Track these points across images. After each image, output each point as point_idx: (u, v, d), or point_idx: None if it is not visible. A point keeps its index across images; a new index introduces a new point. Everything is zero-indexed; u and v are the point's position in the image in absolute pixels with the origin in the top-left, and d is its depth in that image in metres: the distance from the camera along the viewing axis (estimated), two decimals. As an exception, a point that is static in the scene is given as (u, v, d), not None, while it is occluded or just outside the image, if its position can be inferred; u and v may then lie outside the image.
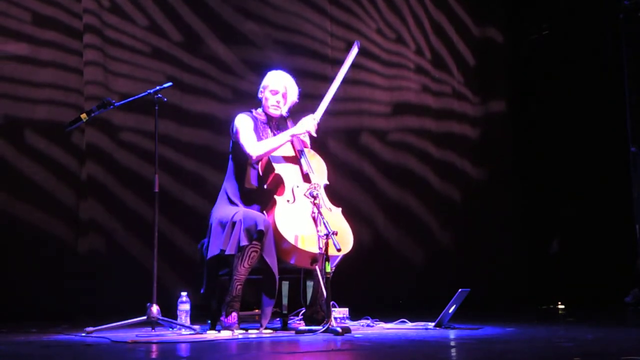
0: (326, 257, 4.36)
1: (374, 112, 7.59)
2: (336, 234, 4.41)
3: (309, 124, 4.90)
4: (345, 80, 7.40)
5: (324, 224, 4.42)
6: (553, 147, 7.87)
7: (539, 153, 7.97)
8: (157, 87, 4.87)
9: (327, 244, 4.36)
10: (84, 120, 4.84)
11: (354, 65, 7.43)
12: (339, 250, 4.36)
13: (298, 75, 7.15)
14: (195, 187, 6.60)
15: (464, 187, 7.85)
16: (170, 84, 5.01)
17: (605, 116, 7.51)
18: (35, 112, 6.21)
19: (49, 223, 6.18)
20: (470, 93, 8.00)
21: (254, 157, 4.81)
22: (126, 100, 5.08)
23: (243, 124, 4.91)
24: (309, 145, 5.10)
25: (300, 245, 4.55)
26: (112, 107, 4.85)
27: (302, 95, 6.54)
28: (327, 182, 4.96)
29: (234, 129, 4.91)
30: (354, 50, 5.13)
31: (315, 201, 4.56)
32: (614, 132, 7.45)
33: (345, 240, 4.63)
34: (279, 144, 4.84)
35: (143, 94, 4.93)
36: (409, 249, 7.54)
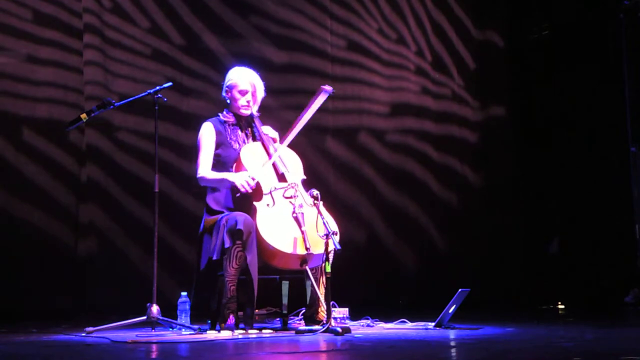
0: (326, 258, 4.35)
1: (374, 111, 7.58)
2: (336, 234, 4.40)
3: (247, 181, 4.68)
4: (345, 79, 7.46)
5: (324, 223, 4.41)
6: (553, 147, 7.86)
7: (539, 153, 7.96)
8: (157, 87, 4.87)
9: (327, 244, 4.35)
10: (84, 120, 4.83)
11: (353, 64, 7.51)
12: (338, 250, 4.35)
13: (297, 72, 7.20)
14: (194, 190, 6.58)
15: (463, 187, 7.84)
16: (170, 84, 5.00)
17: (605, 116, 7.51)
18: (34, 110, 6.22)
19: (49, 223, 6.18)
20: (470, 97, 7.99)
21: (197, 177, 4.81)
22: (126, 100, 5.08)
23: (205, 140, 4.88)
24: (278, 140, 5.05)
25: (287, 250, 4.54)
26: (112, 107, 4.85)
27: (302, 92, 6.53)
28: (304, 177, 4.93)
29: (197, 141, 4.90)
30: (322, 97, 4.86)
31: (316, 201, 4.54)
32: (614, 132, 7.45)
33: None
34: (218, 182, 4.78)
35: (143, 94, 4.93)
36: (408, 249, 7.53)
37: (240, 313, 4.61)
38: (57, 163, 6.26)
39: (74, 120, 4.88)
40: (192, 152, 6.63)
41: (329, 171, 7.17)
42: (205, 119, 6.66)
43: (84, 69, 6.37)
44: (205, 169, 4.83)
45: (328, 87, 4.84)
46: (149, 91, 4.87)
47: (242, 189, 4.66)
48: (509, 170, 7.98)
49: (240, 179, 4.68)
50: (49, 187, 6.22)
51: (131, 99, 5.08)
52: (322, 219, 4.44)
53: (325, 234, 4.36)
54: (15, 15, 6.21)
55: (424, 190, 7.69)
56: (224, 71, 6.83)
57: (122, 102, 5.03)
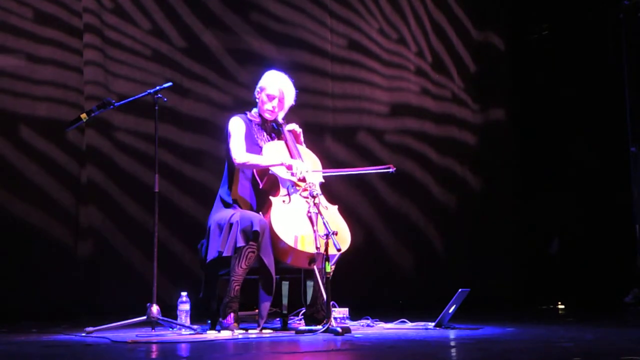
0: (326, 257, 4.35)
1: (374, 111, 7.58)
2: (336, 234, 4.40)
3: (302, 169, 4.76)
4: (343, 78, 7.46)
5: (324, 223, 4.41)
6: (553, 147, 7.86)
7: (540, 152, 7.96)
8: (157, 87, 4.86)
9: (327, 244, 4.35)
10: (84, 120, 4.83)
11: (352, 62, 7.50)
12: (339, 250, 4.36)
13: (297, 69, 7.19)
14: (194, 192, 6.58)
15: (462, 189, 7.84)
16: (170, 84, 4.99)
17: (605, 116, 7.51)
18: (34, 109, 6.21)
19: (49, 223, 6.17)
20: (470, 99, 7.98)
21: (236, 163, 4.79)
22: (126, 100, 5.08)
23: (235, 128, 4.87)
24: (302, 142, 5.08)
25: (298, 247, 4.55)
26: (112, 107, 4.85)
27: (302, 90, 6.51)
28: (323, 180, 4.93)
29: (227, 132, 4.90)
30: (383, 170, 4.94)
31: (315, 201, 4.55)
32: (614, 132, 7.45)
33: (343, 238, 4.62)
34: (265, 165, 4.78)
35: (143, 94, 4.93)
36: (407, 250, 7.53)
37: (242, 313, 4.61)
38: (57, 163, 6.25)
39: (74, 120, 4.88)
40: (192, 154, 6.69)
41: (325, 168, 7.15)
42: (205, 120, 6.71)
43: (84, 68, 6.36)
44: (243, 152, 4.80)
45: (393, 168, 4.87)
46: (149, 91, 4.88)
47: (295, 174, 4.71)
48: (508, 167, 7.97)
49: (300, 164, 4.74)
50: (49, 187, 6.21)
51: (131, 98, 5.08)
52: (322, 219, 4.45)
53: (325, 234, 4.36)
54: (15, 14, 6.20)
55: (423, 191, 7.68)
56: (224, 73, 6.89)
57: (122, 102, 5.02)
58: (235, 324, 4.52)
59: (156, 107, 4.82)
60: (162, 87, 4.89)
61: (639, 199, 7.23)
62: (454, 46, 7.95)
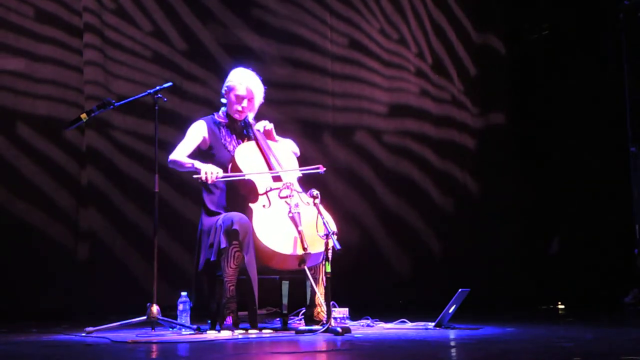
0: (326, 258, 4.34)
1: (374, 111, 7.57)
2: (336, 234, 4.39)
3: (212, 172, 4.64)
4: (343, 77, 7.46)
5: (324, 223, 4.40)
6: (553, 146, 7.86)
7: (540, 151, 7.96)
8: (157, 87, 4.85)
9: (327, 244, 4.34)
10: (84, 120, 4.83)
11: (352, 61, 7.50)
12: (338, 250, 4.35)
13: (297, 67, 7.19)
14: (192, 194, 6.56)
15: (461, 190, 7.83)
16: (170, 83, 4.98)
17: (605, 116, 7.51)
18: (35, 108, 6.21)
19: (49, 224, 6.17)
20: (469, 102, 7.97)
21: (168, 162, 4.79)
22: (126, 100, 5.07)
23: (191, 133, 4.85)
24: (275, 138, 4.98)
25: (284, 251, 4.53)
26: (112, 107, 4.84)
27: (301, 88, 6.58)
28: (300, 175, 4.88)
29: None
30: (313, 170, 4.78)
31: (315, 201, 4.54)
32: (614, 132, 7.45)
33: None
34: (186, 167, 4.74)
35: (143, 94, 4.93)
36: (407, 251, 7.52)
37: (242, 313, 4.61)
38: (57, 164, 6.24)
39: (74, 120, 4.88)
40: (189, 156, 6.67)
41: (327, 170, 7.14)
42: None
43: (84, 68, 6.36)
44: (178, 153, 4.79)
45: (323, 168, 4.77)
46: (149, 91, 4.86)
47: (203, 178, 4.61)
48: (508, 173, 7.96)
49: (206, 168, 4.65)
50: (50, 189, 6.21)
51: (131, 98, 5.07)
52: (322, 218, 4.44)
53: (325, 234, 4.35)
54: (16, 12, 6.19)
55: (422, 193, 7.67)
56: (224, 75, 6.85)
57: (122, 102, 5.02)
58: (226, 321, 4.50)
59: (156, 107, 4.81)
60: (162, 87, 4.88)
61: (639, 199, 7.23)
62: (454, 48, 7.94)
